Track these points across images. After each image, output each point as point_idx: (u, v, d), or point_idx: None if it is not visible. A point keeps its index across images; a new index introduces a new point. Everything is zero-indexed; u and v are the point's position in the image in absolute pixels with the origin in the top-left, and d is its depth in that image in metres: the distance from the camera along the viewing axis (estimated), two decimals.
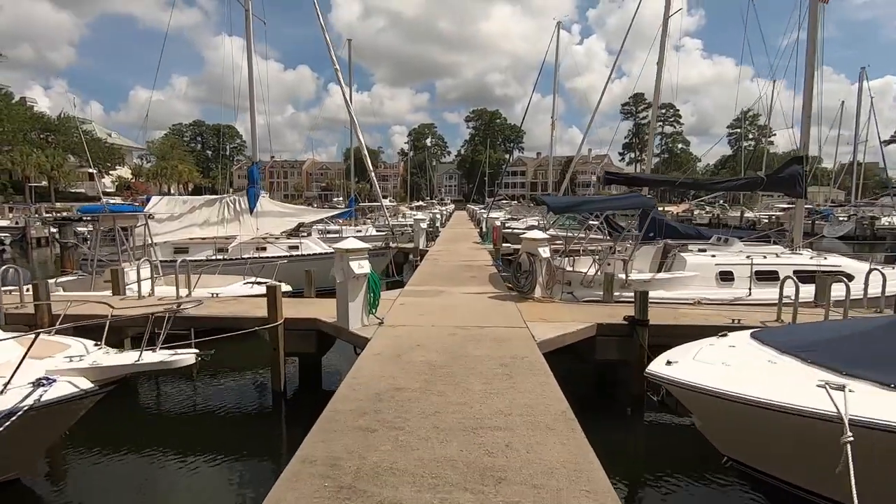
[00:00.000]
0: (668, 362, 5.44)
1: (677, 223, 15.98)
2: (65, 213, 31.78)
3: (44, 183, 51.88)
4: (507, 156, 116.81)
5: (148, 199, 16.46)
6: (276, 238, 16.97)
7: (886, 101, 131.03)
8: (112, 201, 20.76)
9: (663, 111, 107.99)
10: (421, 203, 64.82)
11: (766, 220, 51.23)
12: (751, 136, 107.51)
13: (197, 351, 6.15)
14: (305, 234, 17.85)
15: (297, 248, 16.58)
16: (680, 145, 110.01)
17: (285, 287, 11.43)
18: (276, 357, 8.13)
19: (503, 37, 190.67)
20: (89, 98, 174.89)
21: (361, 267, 7.73)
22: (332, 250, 17.68)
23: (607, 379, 8.61)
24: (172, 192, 66.84)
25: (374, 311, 8.07)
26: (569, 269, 11.15)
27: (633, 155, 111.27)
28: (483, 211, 36.36)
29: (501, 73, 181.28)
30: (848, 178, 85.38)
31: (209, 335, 6.61)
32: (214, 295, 10.21)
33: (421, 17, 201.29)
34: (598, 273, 10.69)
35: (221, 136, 65.24)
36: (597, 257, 11.51)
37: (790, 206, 54.64)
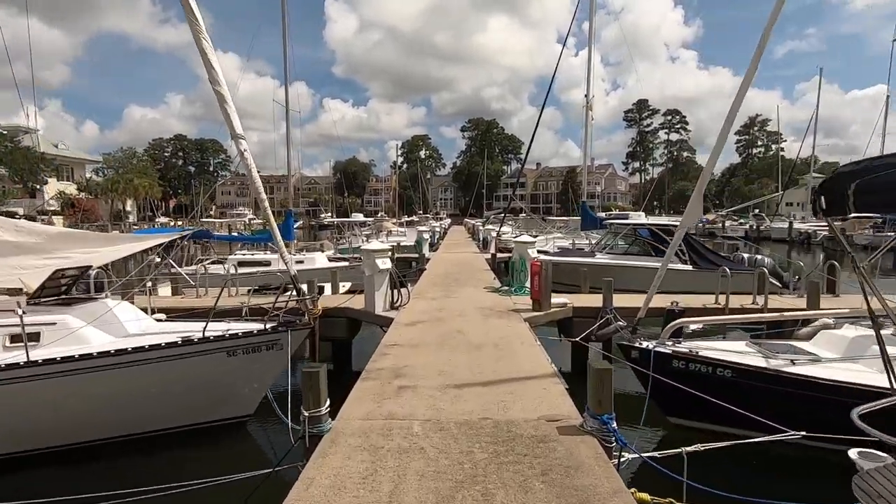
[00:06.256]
0: None
1: None
2: None
3: None
4: (504, 167, 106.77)
5: None
6: None
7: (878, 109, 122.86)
8: None
9: (669, 118, 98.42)
10: (413, 218, 53.89)
11: (826, 233, 40.82)
12: (759, 142, 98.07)
13: None
14: (82, 290, 7.07)
15: (37, 339, 5.84)
16: (686, 154, 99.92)
17: None
18: None
19: (500, 50, 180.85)
20: (84, 118, 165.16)
21: None
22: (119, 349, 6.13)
23: None
24: (128, 209, 56.14)
25: None
26: None
27: (636, 164, 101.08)
28: (492, 228, 25.58)
29: (499, 87, 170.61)
30: None
31: None
32: None
33: (417, 31, 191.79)
34: None
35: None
36: None
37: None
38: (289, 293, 7.15)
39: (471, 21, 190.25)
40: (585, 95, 22.16)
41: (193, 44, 6.17)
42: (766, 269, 9.37)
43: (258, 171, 7.08)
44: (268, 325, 6.49)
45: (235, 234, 36.98)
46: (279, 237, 6.81)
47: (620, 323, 8.74)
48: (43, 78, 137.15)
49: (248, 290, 11.45)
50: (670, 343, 6.79)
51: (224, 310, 7.56)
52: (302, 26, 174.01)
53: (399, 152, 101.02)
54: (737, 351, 6.68)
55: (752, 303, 9.39)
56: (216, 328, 6.61)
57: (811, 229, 41.92)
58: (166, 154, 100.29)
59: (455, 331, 7.38)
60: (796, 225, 43.91)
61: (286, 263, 6.67)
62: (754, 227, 47.57)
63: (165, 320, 7.82)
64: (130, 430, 6.22)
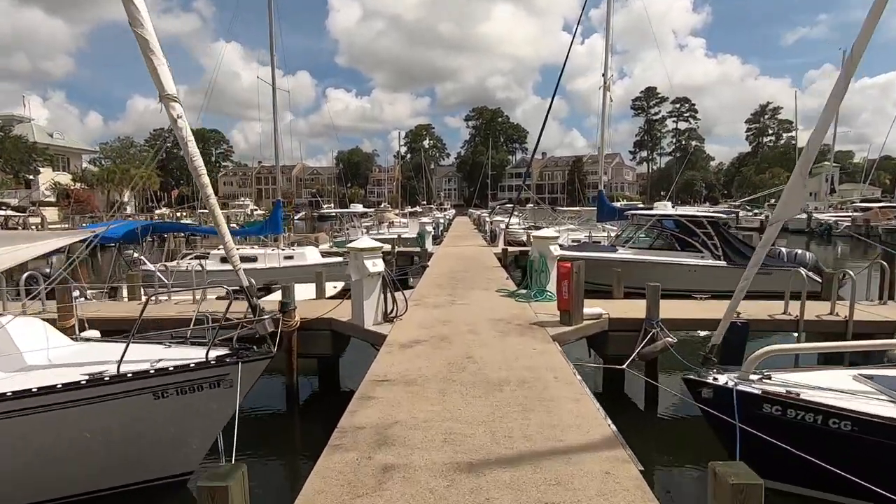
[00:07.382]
0: None
1: None
2: None
3: None
4: (509, 157, 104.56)
5: None
6: None
7: (890, 98, 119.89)
8: None
9: (677, 106, 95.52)
10: (416, 209, 51.86)
11: (849, 224, 38.69)
12: (770, 130, 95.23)
13: None
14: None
15: None
16: (694, 143, 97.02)
17: None
18: None
19: (505, 39, 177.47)
20: (88, 109, 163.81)
21: None
22: None
23: None
24: (125, 199, 54.46)
25: None
26: None
27: (644, 154, 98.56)
28: (500, 219, 23.76)
29: (503, 76, 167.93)
30: (885, 175, 72.95)
31: None
32: None
33: (420, 20, 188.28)
34: None
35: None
36: None
37: (884, 203, 41.50)
38: (247, 307, 5.40)
39: (475, 10, 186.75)
40: (603, 75, 20.23)
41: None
42: (850, 273, 7.50)
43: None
44: (211, 355, 4.72)
45: (234, 225, 35.33)
46: (225, 229, 5.01)
47: (670, 339, 6.96)
48: (45, 69, 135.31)
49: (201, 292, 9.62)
50: (756, 378, 4.99)
51: (181, 323, 5.88)
52: (304, 16, 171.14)
53: (402, 142, 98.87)
54: (845, 390, 4.86)
55: (831, 313, 7.55)
56: (147, 356, 4.87)
57: (832, 220, 39.77)
58: (168, 144, 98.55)
59: (465, 357, 5.59)
60: (816, 215, 41.71)
61: (234, 267, 4.88)
62: (769, 217, 45.40)
63: (97, 339, 6.10)
64: (20, 502, 4.51)
